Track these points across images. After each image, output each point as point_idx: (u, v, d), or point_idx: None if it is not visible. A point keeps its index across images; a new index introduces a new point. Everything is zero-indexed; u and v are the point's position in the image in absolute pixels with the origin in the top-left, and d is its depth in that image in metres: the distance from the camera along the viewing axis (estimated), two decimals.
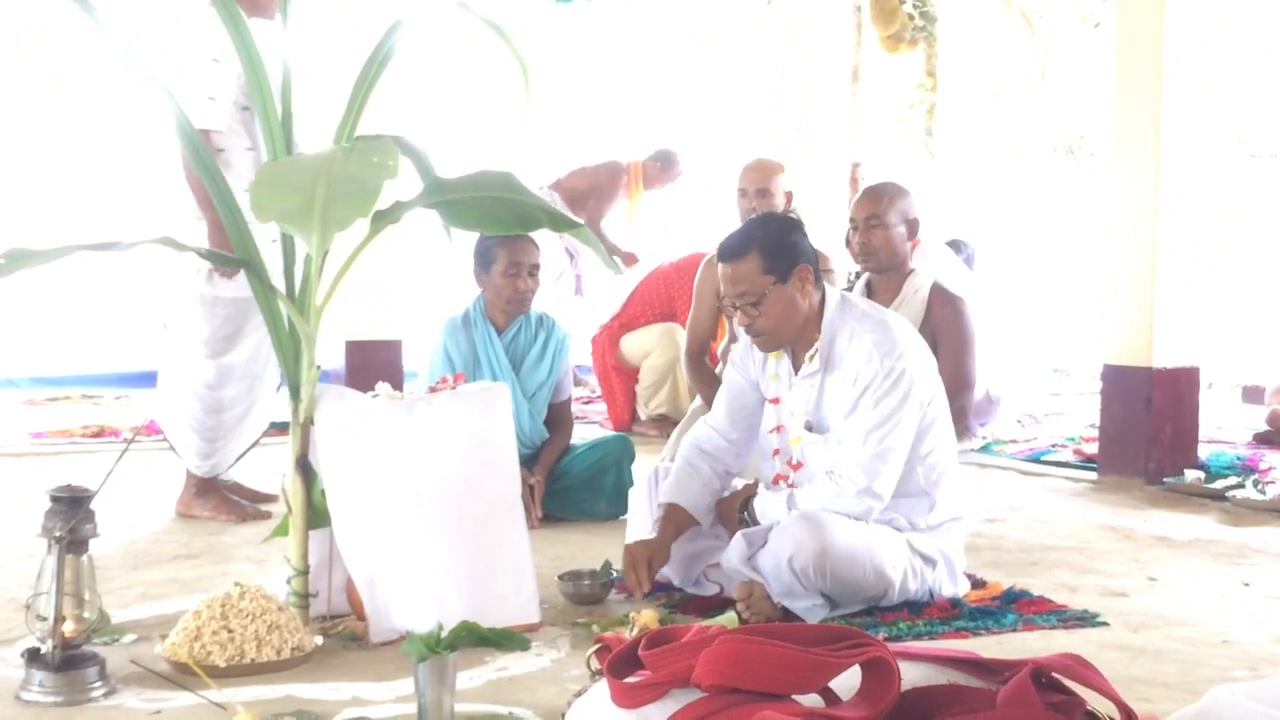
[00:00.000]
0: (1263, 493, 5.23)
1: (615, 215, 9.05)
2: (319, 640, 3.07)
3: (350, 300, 7.06)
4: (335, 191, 2.91)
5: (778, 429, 3.62)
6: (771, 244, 3.42)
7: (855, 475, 3.37)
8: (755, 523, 3.50)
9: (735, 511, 3.60)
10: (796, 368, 3.56)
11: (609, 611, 3.45)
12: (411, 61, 7.02)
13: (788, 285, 3.41)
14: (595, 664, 1.91)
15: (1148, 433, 5.74)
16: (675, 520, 3.60)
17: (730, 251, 3.46)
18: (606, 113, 10.20)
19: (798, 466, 3.57)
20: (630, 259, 8.49)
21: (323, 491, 3.23)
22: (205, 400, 4.73)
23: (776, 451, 3.63)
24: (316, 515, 3.26)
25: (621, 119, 10.15)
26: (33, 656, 2.75)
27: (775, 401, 3.62)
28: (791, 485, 3.56)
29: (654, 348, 7.03)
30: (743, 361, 3.73)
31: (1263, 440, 6.87)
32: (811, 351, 3.50)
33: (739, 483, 3.74)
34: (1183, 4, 5.65)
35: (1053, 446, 6.70)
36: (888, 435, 3.37)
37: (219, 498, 4.81)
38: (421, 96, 7.90)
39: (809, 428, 3.52)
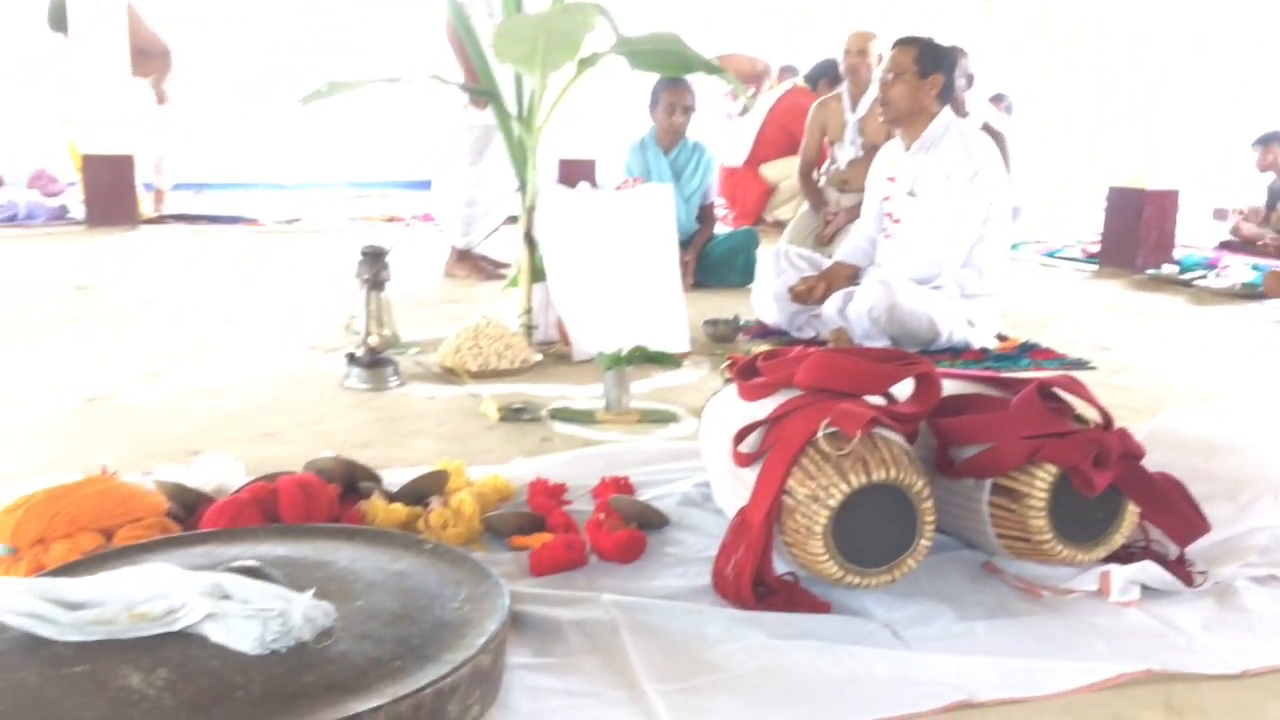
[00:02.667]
0: (1220, 280, 5.01)
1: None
2: (539, 357, 3.14)
3: (561, 128, 7.00)
4: (552, 41, 2.87)
5: (887, 198, 3.57)
6: (926, 48, 3.40)
7: (931, 246, 3.34)
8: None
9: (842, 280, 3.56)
10: (908, 149, 3.48)
11: (737, 346, 3.46)
12: None
13: (923, 80, 3.36)
14: (727, 374, 1.92)
15: (1137, 237, 5.49)
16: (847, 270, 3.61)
17: (902, 40, 3.45)
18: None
19: (897, 221, 3.53)
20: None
21: (542, 256, 3.28)
22: (465, 194, 4.78)
23: (888, 214, 3.58)
24: (537, 273, 3.31)
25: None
26: (350, 359, 2.86)
27: (892, 179, 3.54)
28: (889, 237, 3.54)
29: (790, 174, 6.83)
30: (876, 162, 3.67)
31: (1225, 246, 6.53)
32: (920, 138, 3.42)
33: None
34: None
35: (1065, 246, 6.44)
36: (958, 218, 3.32)
37: (471, 263, 4.90)
38: None
39: (910, 194, 3.47)
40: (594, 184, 5.21)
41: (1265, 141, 6.76)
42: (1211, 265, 5.45)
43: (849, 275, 3.56)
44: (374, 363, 2.83)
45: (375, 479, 1.89)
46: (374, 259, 2.83)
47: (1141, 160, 5.52)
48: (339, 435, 2.38)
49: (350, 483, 1.85)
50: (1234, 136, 7.35)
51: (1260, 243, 6.41)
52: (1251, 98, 8.75)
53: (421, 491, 1.83)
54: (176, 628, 1.17)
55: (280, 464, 1.95)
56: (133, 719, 1.06)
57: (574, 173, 6.88)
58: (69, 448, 2.24)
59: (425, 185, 5.53)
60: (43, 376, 2.88)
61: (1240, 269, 5.25)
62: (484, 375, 2.95)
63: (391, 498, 1.80)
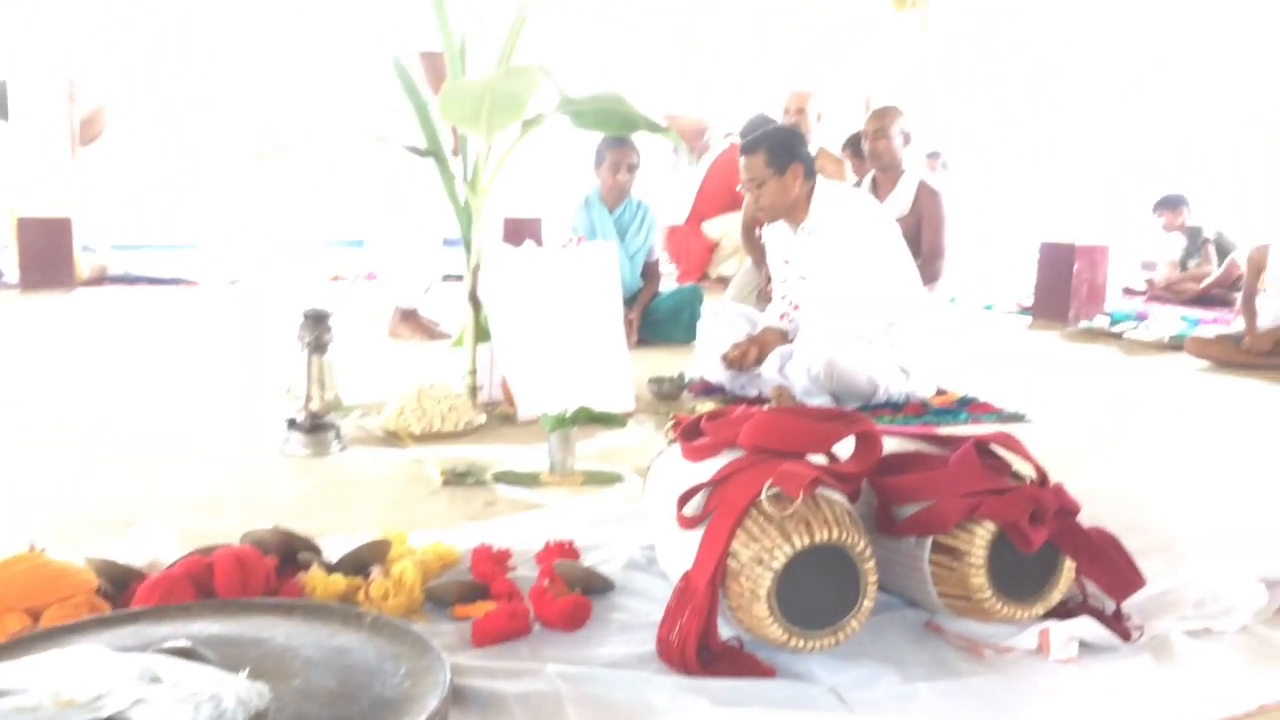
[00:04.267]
0: (1149, 333, 5.16)
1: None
2: (483, 419, 3.11)
3: (506, 187, 7.01)
4: (497, 103, 2.88)
5: (784, 281, 3.63)
6: (775, 147, 3.41)
7: (855, 306, 3.38)
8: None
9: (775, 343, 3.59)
10: (795, 234, 3.53)
11: (681, 405, 3.47)
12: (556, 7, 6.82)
13: (783, 177, 3.39)
14: (671, 435, 1.92)
15: (1069, 291, 5.62)
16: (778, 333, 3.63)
17: (746, 149, 3.48)
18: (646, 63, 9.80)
19: (796, 306, 3.58)
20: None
21: (487, 316, 3.27)
22: (409, 252, 4.77)
23: (784, 297, 3.63)
24: (482, 333, 3.30)
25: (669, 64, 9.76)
26: (291, 424, 2.81)
27: (787, 262, 3.60)
28: (790, 320, 3.59)
29: (732, 229, 6.90)
30: (769, 241, 3.72)
31: (1153, 297, 6.78)
32: (804, 224, 3.47)
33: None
34: None
35: (1000, 299, 6.58)
36: (872, 281, 3.38)
37: (416, 322, 4.87)
38: (566, 33, 7.69)
39: (802, 277, 3.52)
40: (539, 243, 5.23)
41: (1170, 205, 7.03)
42: (1141, 317, 5.60)
43: (780, 338, 3.58)
44: (315, 427, 2.79)
45: (315, 549, 1.85)
46: (316, 321, 2.80)
47: (1070, 214, 5.67)
48: (279, 504, 2.33)
49: (289, 554, 1.81)
50: (1159, 191, 7.59)
51: (1179, 286, 6.65)
52: (1170, 154, 9.06)
53: (362, 561, 1.79)
54: (105, 714, 1.13)
55: (217, 535, 1.90)
56: None
57: (519, 231, 6.90)
58: None
59: (362, 243, 5.53)
60: None
61: (1168, 321, 5.40)
62: (428, 438, 2.91)
63: (331, 568, 1.77)
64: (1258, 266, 4.66)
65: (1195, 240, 6.98)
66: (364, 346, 4.51)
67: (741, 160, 3.47)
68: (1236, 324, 4.80)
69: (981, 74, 10.64)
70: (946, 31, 10.51)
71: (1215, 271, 6.59)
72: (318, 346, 2.79)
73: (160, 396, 3.46)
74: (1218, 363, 4.48)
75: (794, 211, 3.48)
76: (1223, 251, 6.80)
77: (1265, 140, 8.59)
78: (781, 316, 3.64)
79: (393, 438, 2.93)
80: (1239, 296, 5.45)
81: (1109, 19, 5.50)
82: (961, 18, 10.40)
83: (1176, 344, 4.90)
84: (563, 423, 2.58)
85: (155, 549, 1.81)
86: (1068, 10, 5.83)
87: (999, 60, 10.66)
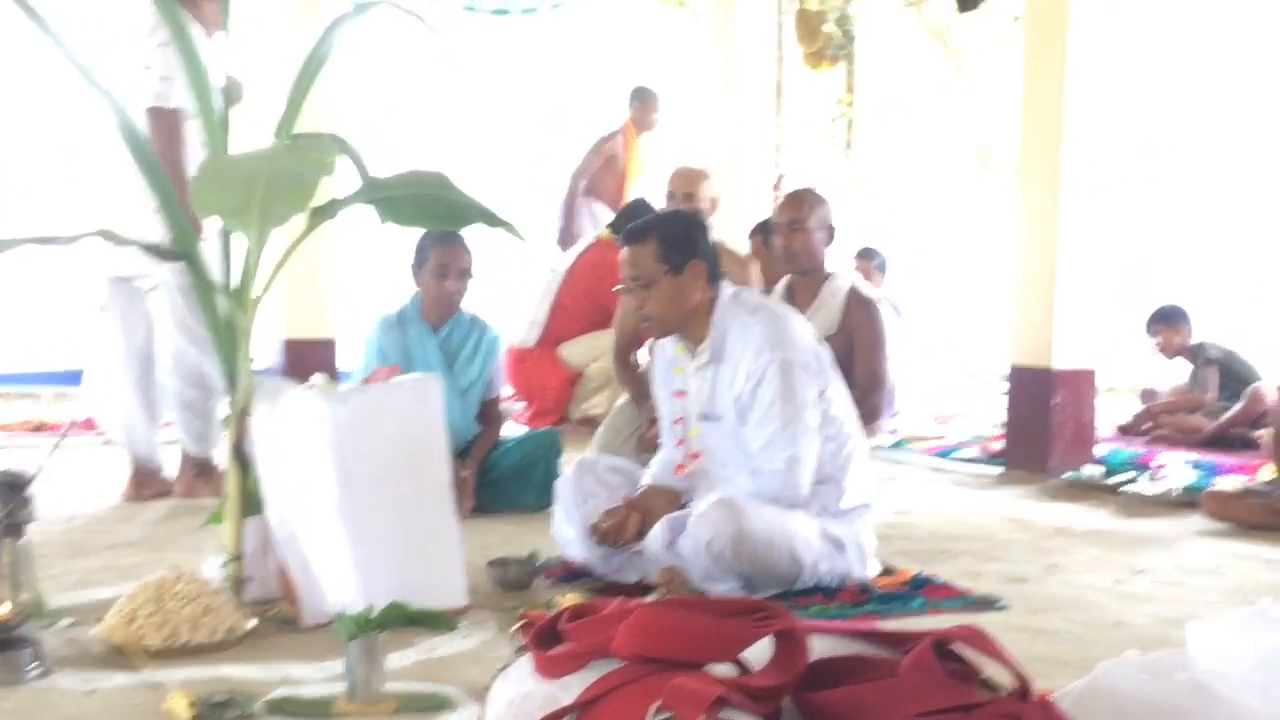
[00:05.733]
0: (1154, 485, 5.36)
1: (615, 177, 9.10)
2: (253, 623, 3.03)
3: (287, 298, 6.99)
4: (274, 187, 2.90)
5: (679, 420, 3.67)
6: (670, 236, 3.48)
7: (775, 467, 3.41)
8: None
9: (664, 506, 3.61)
10: (693, 358, 3.60)
11: (535, 597, 3.44)
12: (354, 61, 6.96)
13: (680, 276, 3.46)
14: (519, 641, 1.90)
15: (1049, 430, 5.84)
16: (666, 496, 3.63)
17: (631, 236, 3.52)
18: (528, 127, 10.18)
19: (696, 455, 3.62)
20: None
21: (258, 479, 3.22)
22: (192, 377, 4.68)
23: (680, 441, 3.67)
24: (251, 503, 3.24)
25: (545, 132, 10.14)
26: None
27: (681, 395, 3.65)
28: (690, 474, 3.62)
29: (603, 353, 6.96)
30: (655, 365, 3.79)
31: (1125, 430, 7.28)
32: (703, 345, 3.54)
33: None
34: (1085, 25, 5.77)
35: (961, 444, 6.78)
36: (794, 426, 3.41)
37: (211, 478, 4.71)
38: (365, 95, 7.83)
39: (704, 417, 3.57)
40: (333, 375, 5.21)
41: (1168, 320, 7.45)
42: (1144, 464, 5.83)
43: (669, 501, 3.60)
44: (5, 643, 2.68)
45: None
46: (8, 492, 2.72)
47: (1046, 331, 5.92)
48: None
49: None
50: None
51: (1185, 424, 7.00)
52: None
53: None
54: None
55: None
56: None
57: (304, 359, 6.82)
58: None
59: (75, 378, 5.42)
60: None
61: (1178, 469, 5.63)
62: (171, 654, 2.82)
63: None
64: None
65: (1196, 360, 7.37)
66: (82, 522, 4.38)
67: (624, 253, 3.52)
68: (1264, 473, 5.03)
69: (918, 146, 11.25)
70: (871, 92, 11.13)
71: (1237, 404, 6.94)
72: (11, 527, 2.72)
73: None
74: (1243, 525, 4.68)
75: (692, 325, 3.54)
76: (1240, 378, 7.19)
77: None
78: (678, 469, 3.66)
79: (119, 655, 2.83)
80: (1264, 435, 5.74)
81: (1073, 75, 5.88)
82: (885, 73, 11.06)
83: (1190, 498, 5.11)
84: (366, 627, 2.54)
85: None
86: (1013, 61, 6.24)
87: (934, 124, 11.33)
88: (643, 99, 9.18)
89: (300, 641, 2.99)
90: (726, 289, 3.57)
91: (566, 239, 8.68)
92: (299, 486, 3.20)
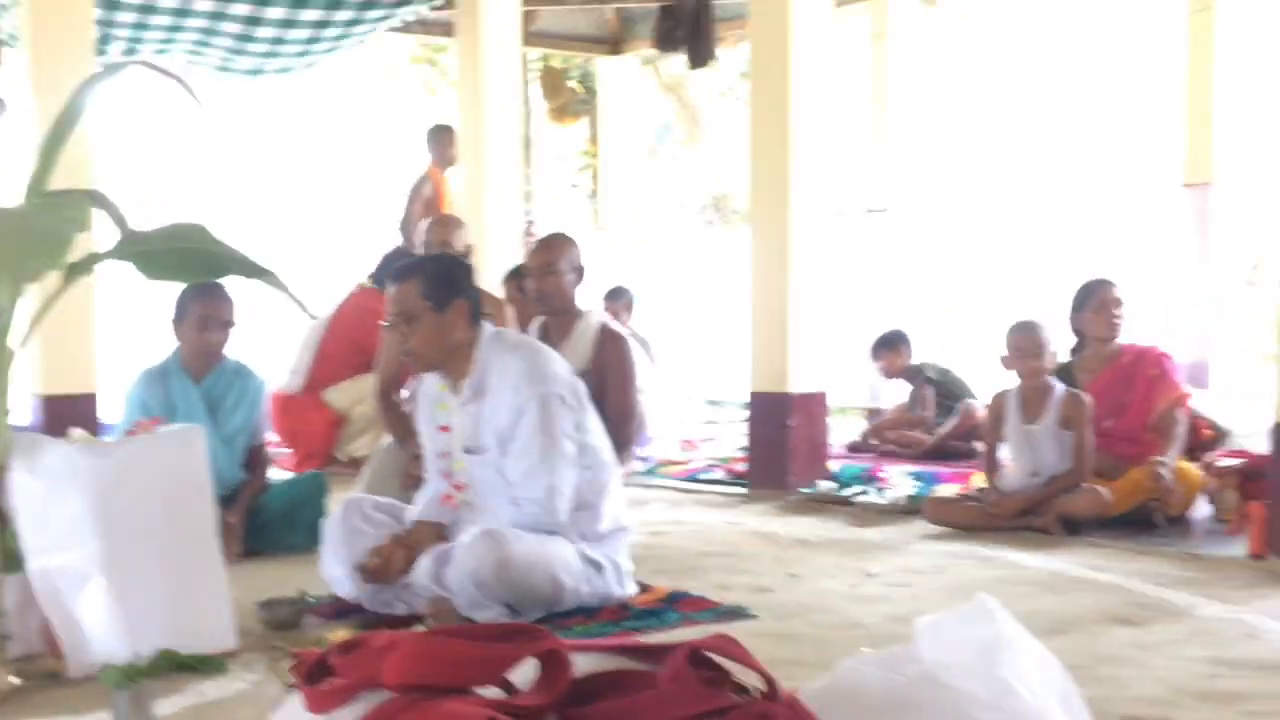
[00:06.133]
0: (882, 496, 5.59)
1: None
2: (16, 681, 2.89)
3: (44, 353, 6.66)
4: (27, 244, 2.79)
5: (444, 455, 3.66)
6: (435, 275, 3.50)
7: (535, 496, 3.43)
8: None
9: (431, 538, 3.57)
10: (456, 394, 3.59)
11: (305, 635, 3.36)
12: (109, 118, 6.69)
13: (443, 314, 3.46)
14: (290, 679, 1.85)
15: (787, 450, 6.01)
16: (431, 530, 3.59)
17: (398, 275, 3.54)
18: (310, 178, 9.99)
19: (461, 487, 3.61)
20: None
21: (16, 535, 3.05)
22: None
23: (446, 474, 3.66)
24: (11, 560, 3.07)
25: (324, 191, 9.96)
26: None
27: (445, 429, 3.63)
28: (456, 505, 3.62)
29: (365, 397, 6.82)
30: (420, 403, 3.75)
31: (854, 448, 7.56)
32: (465, 381, 3.54)
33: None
34: (803, 78, 5.98)
35: (708, 467, 6.91)
36: (553, 456, 3.45)
37: None
38: (135, 150, 7.53)
39: (468, 450, 3.57)
40: (94, 430, 4.98)
41: (889, 345, 7.80)
42: (872, 477, 6.06)
43: (435, 535, 3.58)
44: None
45: None
46: None
47: (781, 358, 6.10)
48: None
49: None
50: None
51: (907, 438, 7.33)
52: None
53: None
54: None
55: None
56: None
57: (63, 414, 6.49)
58: None
59: None
60: None
61: (902, 480, 5.88)
62: None
63: None
64: (997, 415, 5.16)
65: (916, 381, 7.70)
66: None
67: (390, 290, 3.52)
68: (976, 480, 5.29)
69: (659, 191, 11.49)
70: (614, 145, 11.33)
71: (951, 420, 7.27)
72: None
73: None
74: (960, 528, 4.91)
75: (454, 362, 3.53)
76: (954, 395, 7.55)
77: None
78: (445, 500, 3.63)
79: None
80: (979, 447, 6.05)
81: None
82: (626, 127, 11.28)
83: (913, 507, 5.33)
84: (134, 675, 2.44)
85: None
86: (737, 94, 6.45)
87: (673, 171, 11.62)
88: (437, 138, 9.00)
89: (67, 695, 2.86)
90: (488, 328, 3.58)
91: None
92: (60, 540, 3.05)
